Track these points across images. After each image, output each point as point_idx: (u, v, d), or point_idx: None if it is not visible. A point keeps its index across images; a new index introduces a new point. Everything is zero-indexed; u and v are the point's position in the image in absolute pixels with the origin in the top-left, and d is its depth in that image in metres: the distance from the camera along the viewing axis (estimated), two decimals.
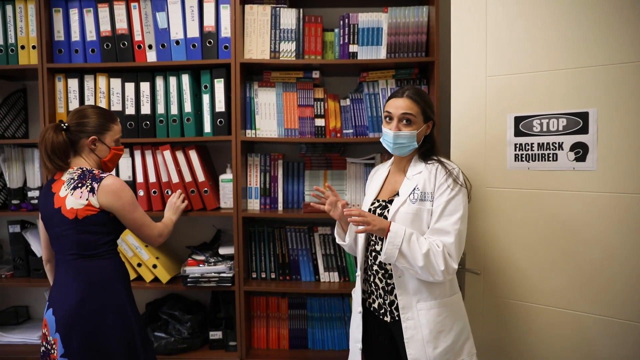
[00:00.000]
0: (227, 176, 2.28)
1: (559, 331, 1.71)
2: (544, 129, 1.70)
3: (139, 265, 2.28)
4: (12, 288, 2.62)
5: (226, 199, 2.28)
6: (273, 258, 2.34)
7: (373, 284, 1.66)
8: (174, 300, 2.46)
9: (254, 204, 2.34)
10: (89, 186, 1.64)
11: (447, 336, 1.55)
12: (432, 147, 1.65)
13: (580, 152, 1.64)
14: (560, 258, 1.69)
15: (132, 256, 2.27)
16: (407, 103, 1.59)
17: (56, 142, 1.65)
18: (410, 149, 1.63)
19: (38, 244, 2.37)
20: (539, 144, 1.71)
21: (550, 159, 1.69)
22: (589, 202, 1.63)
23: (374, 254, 1.65)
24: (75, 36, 2.25)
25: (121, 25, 2.22)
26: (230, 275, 2.21)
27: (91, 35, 2.25)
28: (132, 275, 2.21)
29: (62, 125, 1.69)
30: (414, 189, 1.58)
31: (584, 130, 1.62)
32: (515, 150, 1.76)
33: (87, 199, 1.62)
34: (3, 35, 2.26)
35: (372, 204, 1.68)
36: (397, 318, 1.59)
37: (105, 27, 2.23)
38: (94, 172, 1.68)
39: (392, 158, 1.75)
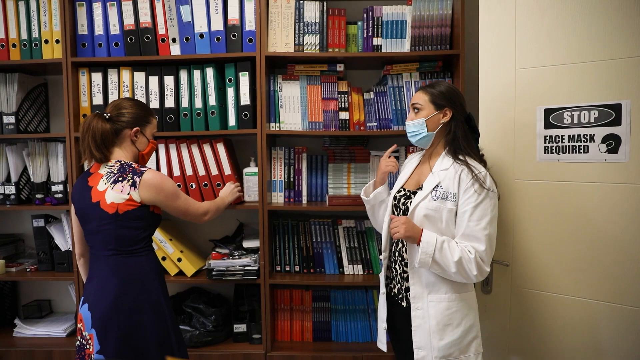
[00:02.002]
0: (251, 169, 2.29)
1: (593, 326, 1.72)
2: (575, 121, 1.70)
3: (164, 258, 2.29)
4: (35, 282, 2.63)
5: (250, 192, 2.29)
6: (297, 251, 2.35)
7: (394, 270, 1.71)
8: (197, 293, 2.47)
9: (278, 197, 2.34)
10: (131, 180, 1.61)
11: (455, 330, 1.58)
12: (455, 139, 1.62)
13: (613, 144, 1.64)
14: (588, 250, 1.69)
15: (157, 250, 2.27)
16: (417, 94, 1.69)
17: (105, 130, 1.63)
18: (425, 138, 1.66)
19: (62, 238, 2.38)
20: (569, 136, 1.71)
21: (581, 151, 1.70)
22: (620, 194, 1.63)
23: (395, 240, 1.69)
24: (99, 30, 2.24)
25: (145, 18, 2.22)
26: (255, 268, 2.22)
27: (115, 29, 2.24)
28: None
29: (105, 115, 1.68)
30: (437, 185, 1.59)
31: (617, 122, 1.62)
32: (545, 142, 1.76)
33: (128, 193, 1.60)
34: (27, 30, 2.25)
35: (399, 191, 1.72)
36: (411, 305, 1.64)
37: (129, 21, 2.22)
38: (133, 165, 1.66)
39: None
